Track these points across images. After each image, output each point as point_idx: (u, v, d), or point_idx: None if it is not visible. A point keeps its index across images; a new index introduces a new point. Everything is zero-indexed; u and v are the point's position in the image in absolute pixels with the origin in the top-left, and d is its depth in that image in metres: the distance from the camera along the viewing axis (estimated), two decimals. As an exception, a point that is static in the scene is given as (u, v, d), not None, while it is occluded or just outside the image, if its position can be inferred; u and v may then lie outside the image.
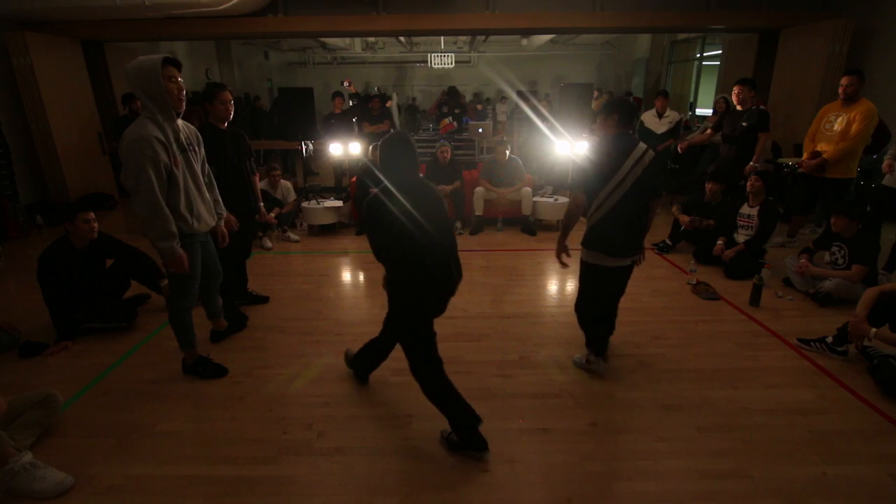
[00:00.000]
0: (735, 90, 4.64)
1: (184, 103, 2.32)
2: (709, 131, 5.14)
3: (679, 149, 5.59)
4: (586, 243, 2.54)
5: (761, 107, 4.69)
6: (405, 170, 2.08)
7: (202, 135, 2.62)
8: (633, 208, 2.44)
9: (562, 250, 2.63)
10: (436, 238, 2.05)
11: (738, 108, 4.69)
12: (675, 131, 6.22)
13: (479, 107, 11.16)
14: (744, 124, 4.65)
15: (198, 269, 2.58)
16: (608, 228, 2.45)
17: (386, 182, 2.05)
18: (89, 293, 3.22)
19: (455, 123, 7.66)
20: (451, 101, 7.77)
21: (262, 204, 3.65)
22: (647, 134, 6.12)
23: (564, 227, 2.61)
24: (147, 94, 2.19)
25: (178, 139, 2.33)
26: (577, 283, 2.70)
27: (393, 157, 2.08)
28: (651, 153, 2.43)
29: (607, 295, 2.67)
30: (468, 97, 14.07)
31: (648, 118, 6.29)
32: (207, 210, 2.57)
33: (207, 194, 2.59)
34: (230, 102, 3.04)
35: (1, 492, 1.96)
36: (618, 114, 2.44)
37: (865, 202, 4.41)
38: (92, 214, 3.14)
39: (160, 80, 2.17)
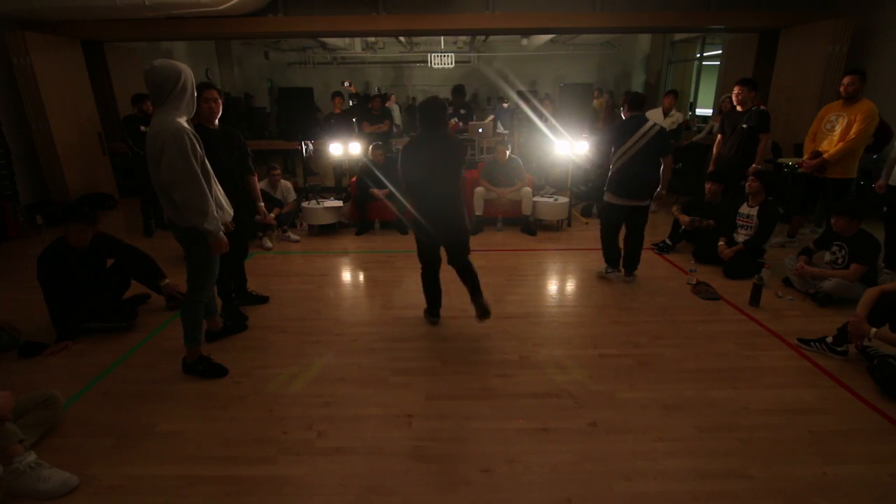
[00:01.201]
0: (735, 90, 4.63)
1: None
2: (719, 137, 5.08)
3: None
4: (606, 186, 3.82)
5: (761, 107, 4.67)
6: (431, 125, 2.89)
7: None
8: (638, 166, 3.62)
9: None
10: (434, 183, 2.88)
11: (738, 108, 4.68)
12: (676, 133, 6.23)
13: (506, 105, 10.65)
14: (744, 126, 4.65)
15: (217, 262, 2.65)
16: (617, 176, 3.72)
17: (419, 132, 2.97)
18: (89, 293, 3.22)
19: (461, 123, 7.63)
20: (456, 101, 7.69)
21: (261, 204, 3.65)
22: None
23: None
24: (181, 96, 2.35)
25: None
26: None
27: (424, 113, 2.88)
28: (657, 127, 3.60)
29: (612, 225, 3.93)
30: (494, 94, 13.82)
31: (655, 116, 6.27)
32: (225, 200, 2.68)
33: (220, 185, 2.68)
34: (215, 101, 3.02)
35: (2, 492, 1.95)
36: (629, 103, 3.73)
37: (873, 203, 4.35)
38: (83, 226, 3.09)
39: (195, 89, 2.45)
